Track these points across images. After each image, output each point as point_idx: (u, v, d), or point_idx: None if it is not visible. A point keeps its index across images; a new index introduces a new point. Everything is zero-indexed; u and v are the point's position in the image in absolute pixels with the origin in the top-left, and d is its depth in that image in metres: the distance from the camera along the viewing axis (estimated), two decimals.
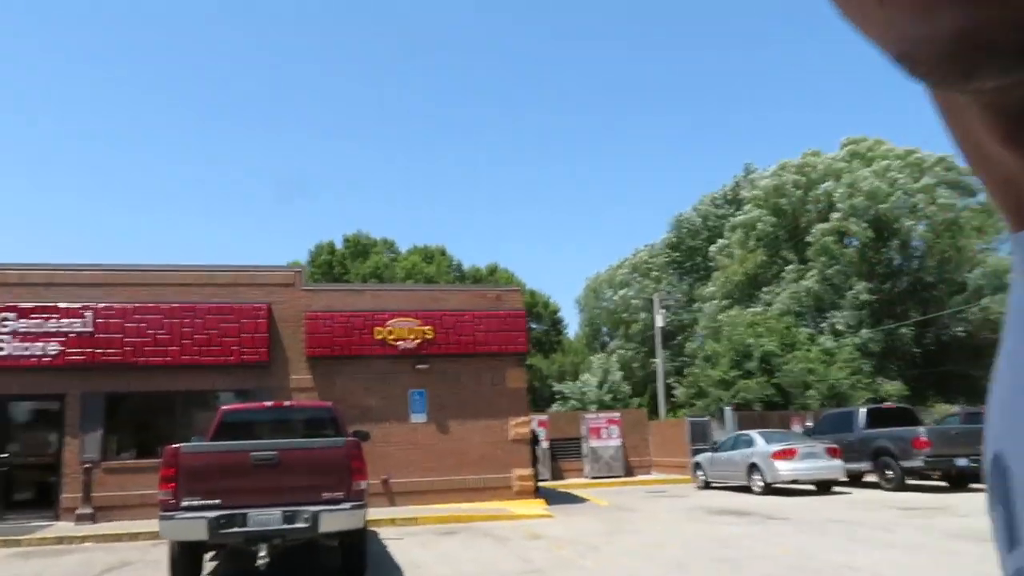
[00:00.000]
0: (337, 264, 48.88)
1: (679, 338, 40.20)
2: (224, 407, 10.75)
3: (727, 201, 42.43)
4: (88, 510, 14.14)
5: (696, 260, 41.96)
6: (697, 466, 19.59)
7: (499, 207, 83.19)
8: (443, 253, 53.90)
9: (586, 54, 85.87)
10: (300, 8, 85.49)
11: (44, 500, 14.72)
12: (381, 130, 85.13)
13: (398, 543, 11.35)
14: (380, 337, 16.00)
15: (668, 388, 32.89)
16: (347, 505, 8.18)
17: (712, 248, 38.17)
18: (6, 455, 14.57)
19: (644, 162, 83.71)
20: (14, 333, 14.51)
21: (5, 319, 14.54)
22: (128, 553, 11.41)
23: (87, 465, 14.36)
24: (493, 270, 51.52)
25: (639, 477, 23.21)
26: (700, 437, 21.92)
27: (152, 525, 13.63)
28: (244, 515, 7.95)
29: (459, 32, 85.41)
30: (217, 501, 7.97)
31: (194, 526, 7.79)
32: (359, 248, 51.58)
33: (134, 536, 12.87)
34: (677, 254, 43.35)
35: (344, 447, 8.48)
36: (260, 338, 15.46)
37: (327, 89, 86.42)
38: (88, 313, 14.83)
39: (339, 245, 51.31)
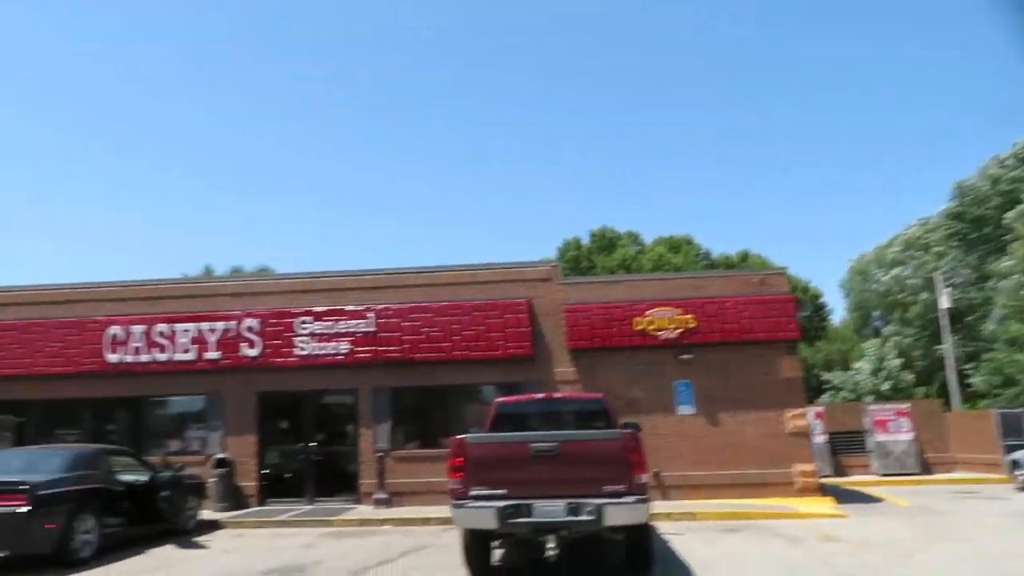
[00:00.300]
0: (584, 259, 49.48)
1: (969, 319, 35.53)
2: (499, 399, 11.04)
3: (1021, 161, 36.69)
4: (384, 495, 15.33)
5: (985, 231, 36.77)
6: (1016, 464, 16.97)
7: (745, 192, 79.53)
8: (689, 242, 52.41)
9: (833, 30, 79.50)
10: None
11: (347, 485, 16.24)
12: (620, 124, 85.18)
13: (679, 539, 10.96)
14: (640, 328, 15.69)
15: (961, 376, 29.11)
16: (630, 499, 7.94)
17: (1008, 216, 33.18)
18: (314, 444, 16.29)
19: (897, 135, 75.67)
20: (312, 334, 16.17)
21: (304, 322, 16.25)
22: (422, 537, 12.14)
23: (380, 454, 15.60)
24: (744, 257, 49.10)
25: (939, 476, 20.66)
26: (1013, 431, 19.00)
27: (440, 511, 14.49)
28: (529, 506, 8.01)
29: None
30: (503, 491, 8.11)
31: (484, 515, 7.98)
32: (605, 242, 51.78)
33: (426, 521, 13.72)
34: (961, 225, 38.31)
35: (622, 439, 8.26)
36: (523, 332, 15.83)
37: (566, 92, 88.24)
38: (371, 314, 16.12)
39: (585, 240, 51.94)
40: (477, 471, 8.19)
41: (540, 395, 11.09)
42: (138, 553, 11.04)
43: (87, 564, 10.10)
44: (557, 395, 10.95)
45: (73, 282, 17.40)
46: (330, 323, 16.17)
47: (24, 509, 9.45)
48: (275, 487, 16.26)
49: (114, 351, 16.47)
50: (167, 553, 11.16)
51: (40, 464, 10.75)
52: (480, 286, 16.30)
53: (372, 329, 16.06)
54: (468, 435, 8.52)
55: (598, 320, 15.77)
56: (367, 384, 16.16)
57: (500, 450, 8.30)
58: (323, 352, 16.09)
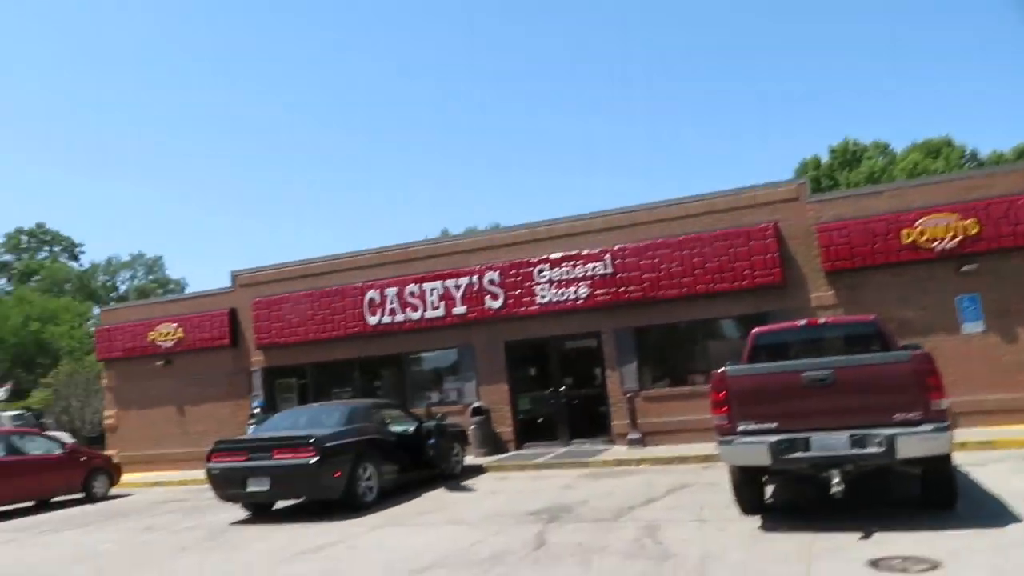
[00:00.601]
0: (824, 178, 45.53)
1: None
2: (756, 330, 10.23)
3: None
4: (636, 435, 15.14)
5: None
6: None
7: (1007, 74, 68.49)
8: (950, 144, 46.36)
9: None
10: None
11: (599, 427, 16.26)
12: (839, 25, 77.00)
13: (981, 470, 9.59)
14: (909, 240, 13.88)
15: None
16: (927, 427, 6.93)
17: None
18: (563, 388, 16.46)
19: None
20: (550, 281, 16.20)
21: (542, 270, 16.31)
22: (683, 475, 11.76)
23: (628, 395, 15.38)
24: (1022, 152, 42.58)
25: None
26: None
27: (697, 449, 14.05)
28: (807, 439, 7.29)
29: None
30: (774, 425, 7.45)
31: (755, 451, 7.39)
32: (848, 157, 47.33)
33: (683, 459, 13.32)
34: None
35: (912, 361, 7.21)
36: (771, 259, 14.68)
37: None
38: (607, 256, 15.80)
39: (825, 158, 47.80)
40: (743, 405, 7.60)
41: (802, 321, 10.12)
42: (413, 497, 11.76)
43: (370, 508, 10.91)
44: (822, 320, 9.92)
45: (332, 254, 18.87)
46: (567, 269, 16.09)
47: (313, 460, 10.35)
48: (530, 432, 16.69)
49: (373, 313, 17.68)
50: (439, 496, 11.78)
51: (322, 419, 11.74)
52: (720, 215, 15.33)
53: (610, 271, 15.75)
54: (729, 368, 7.91)
55: (857, 237, 14.18)
56: (609, 326, 15.95)
57: (767, 381, 7.62)
58: (563, 298, 16.08)
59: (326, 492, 10.64)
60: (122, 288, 65.99)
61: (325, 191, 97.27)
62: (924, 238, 13.82)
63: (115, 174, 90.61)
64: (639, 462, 13.63)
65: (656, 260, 15.43)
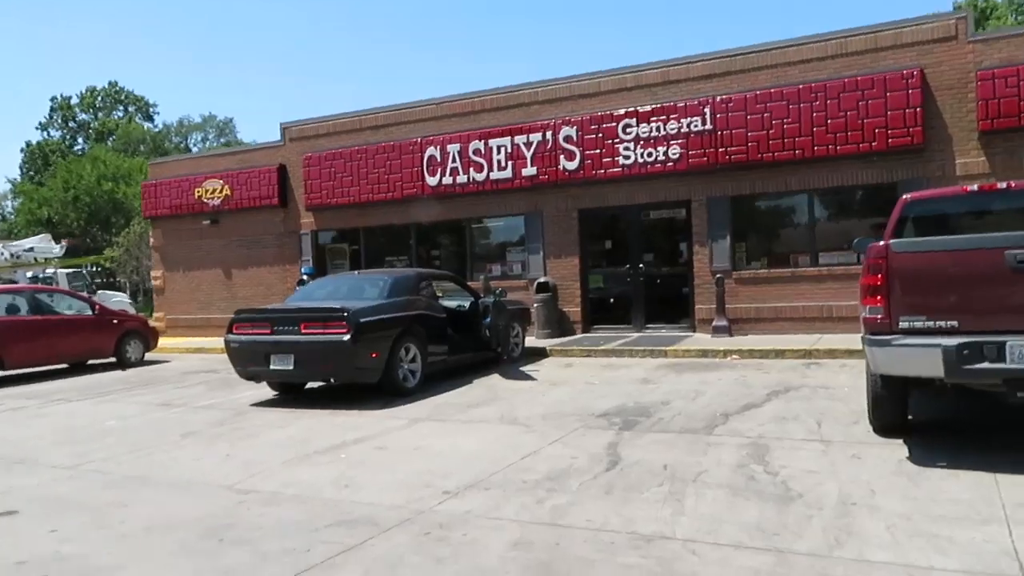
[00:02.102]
0: (993, 14, 39.15)
1: None
2: (907, 196, 7.80)
3: None
4: (723, 322, 13.10)
5: None
6: None
7: None
8: None
9: None
10: None
11: (679, 311, 14.25)
12: None
13: None
14: None
15: None
16: None
17: None
18: (642, 265, 14.36)
19: None
20: (637, 139, 13.80)
21: (627, 126, 13.89)
22: (783, 374, 9.74)
23: (718, 275, 13.22)
24: None
25: None
26: None
27: (797, 342, 11.95)
28: (1001, 345, 5.09)
29: None
30: (954, 322, 5.26)
31: (924, 357, 5.25)
32: None
33: (779, 353, 11.28)
34: None
35: None
36: (911, 114, 11.88)
37: None
38: (706, 109, 13.23)
39: None
40: (911, 293, 5.41)
41: (973, 186, 7.63)
42: (463, 383, 10.13)
43: (412, 394, 9.34)
44: (1003, 185, 7.44)
45: (389, 104, 16.76)
46: (658, 124, 13.62)
47: (346, 337, 8.70)
48: (601, 313, 14.80)
49: (432, 173, 15.71)
50: (493, 383, 10.12)
51: (363, 290, 10.08)
52: (850, 59, 12.46)
53: (709, 127, 13.21)
54: (897, 240, 5.64)
55: None
56: (702, 194, 13.59)
57: (950, 261, 5.35)
58: (651, 160, 13.71)
59: (361, 375, 9.05)
60: (194, 150, 65.86)
61: (409, 51, 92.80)
62: None
63: (188, 33, 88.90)
64: (726, 354, 11.65)
65: (767, 115, 12.79)
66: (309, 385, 10.18)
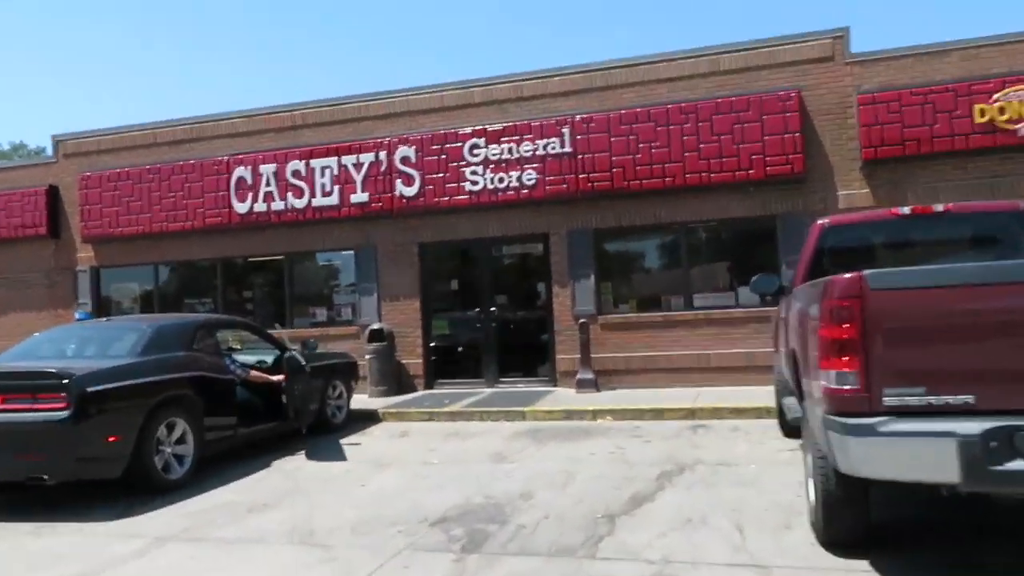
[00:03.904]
0: None
1: None
2: (823, 222, 6.21)
3: None
4: (589, 375, 11.21)
5: None
6: None
7: None
8: None
9: None
10: None
11: (538, 361, 12.27)
12: None
13: None
14: (985, 119, 10.00)
15: None
16: None
17: None
18: (493, 308, 12.26)
19: None
20: (486, 162, 11.81)
21: (475, 146, 11.88)
22: (669, 444, 7.84)
23: (582, 320, 11.36)
24: None
25: None
26: None
27: (676, 397, 10.21)
28: None
29: None
30: (968, 398, 3.41)
31: (929, 455, 3.36)
32: None
33: (658, 414, 9.48)
34: None
35: None
36: (789, 140, 10.62)
37: None
38: (565, 129, 11.45)
39: None
40: (901, 352, 3.53)
41: (903, 209, 6.10)
42: (258, 467, 7.51)
43: (178, 488, 6.65)
44: (937, 208, 5.96)
45: (190, 116, 13.89)
46: (510, 145, 11.70)
47: (63, 414, 5.92)
48: (447, 365, 12.53)
49: (242, 199, 12.98)
50: (297, 467, 7.56)
51: (108, 345, 7.28)
52: (724, 77, 11.11)
53: (567, 150, 11.43)
54: (872, 272, 3.72)
55: (911, 113, 10.21)
56: (562, 226, 11.74)
57: (964, 301, 3.52)
58: (502, 186, 11.73)
59: (90, 469, 6.23)
60: None
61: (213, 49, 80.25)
62: (1005, 118, 9.95)
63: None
64: (597, 415, 9.70)
65: (632, 137, 11.17)
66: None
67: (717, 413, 9.40)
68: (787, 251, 10.61)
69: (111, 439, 6.21)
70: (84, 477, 6.24)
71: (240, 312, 13.26)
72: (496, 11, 74.42)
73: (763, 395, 9.53)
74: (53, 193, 14.22)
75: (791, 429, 6.62)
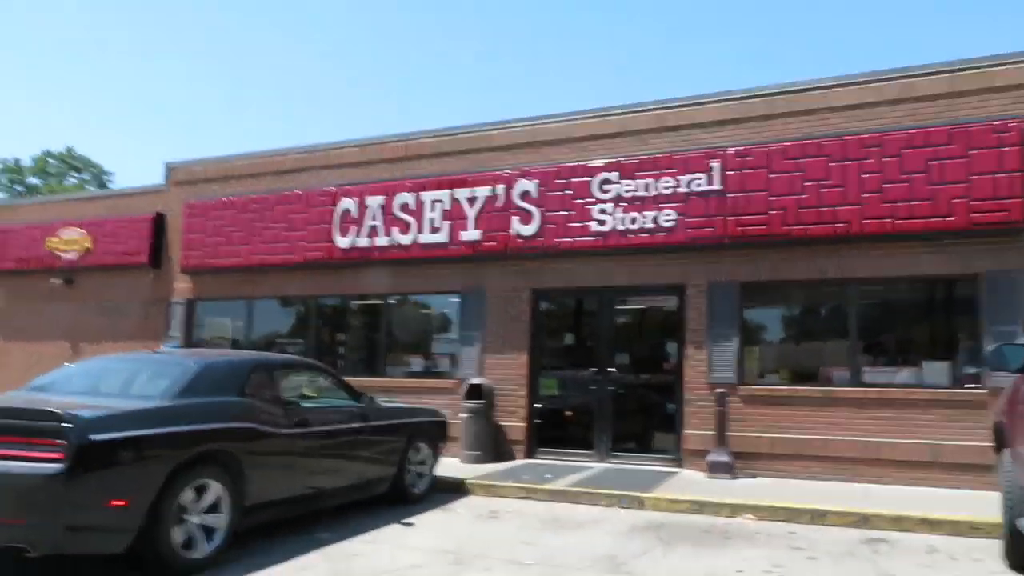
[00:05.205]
0: None
1: None
2: None
3: None
4: (724, 457, 9.16)
5: None
6: None
7: None
8: None
9: None
10: None
11: (661, 435, 10.31)
12: None
13: None
14: None
15: None
16: None
17: None
18: (613, 369, 10.42)
19: None
20: (617, 200, 10.16)
21: (606, 181, 10.27)
22: (842, 567, 5.69)
23: (719, 390, 9.35)
24: None
25: None
26: None
27: (835, 495, 7.84)
28: None
29: None
30: None
31: None
32: None
33: (819, 517, 7.38)
34: None
35: None
36: (1004, 181, 8.38)
37: None
38: (714, 163, 9.67)
39: None
40: None
41: None
42: (298, 551, 5.92)
43: (199, 571, 5.17)
44: None
45: (300, 145, 13.08)
46: (647, 180, 10.02)
47: (56, 468, 4.58)
48: (553, 431, 10.73)
49: (345, 233, 11.89)
50: (352, 554, 5.91)
51: (147, 382, 5.98)
52: (921, 104, 9.05)
53: (717, 187, 9.62)
54: None
55: None
56: (703, 277, 9.86)
57: None
58: (634, 227, 10.02)
59: (84, 541, 4.83)
60: None
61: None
62: None
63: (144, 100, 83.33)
64: (736, 509, 7.65)
65: (797, 174, 9.24)
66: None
67: (900, 523, 7.17)
68: (995, 319, 8.39)
69: (115, 503, 4.81)
70: (75, 551, 4.85)
71: (332, 356, 12.09)
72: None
73: (959, 502, 7.43)
74: (159, 221, 13.70)
75: None
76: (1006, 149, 8.38)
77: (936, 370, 8.75)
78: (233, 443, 5.69)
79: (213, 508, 5.48)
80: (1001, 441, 5.55)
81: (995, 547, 6.14)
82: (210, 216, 13.01)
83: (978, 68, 8.89)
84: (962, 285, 8.78)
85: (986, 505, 7.10)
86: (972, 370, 8.61)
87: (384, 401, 8.15)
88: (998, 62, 8.82)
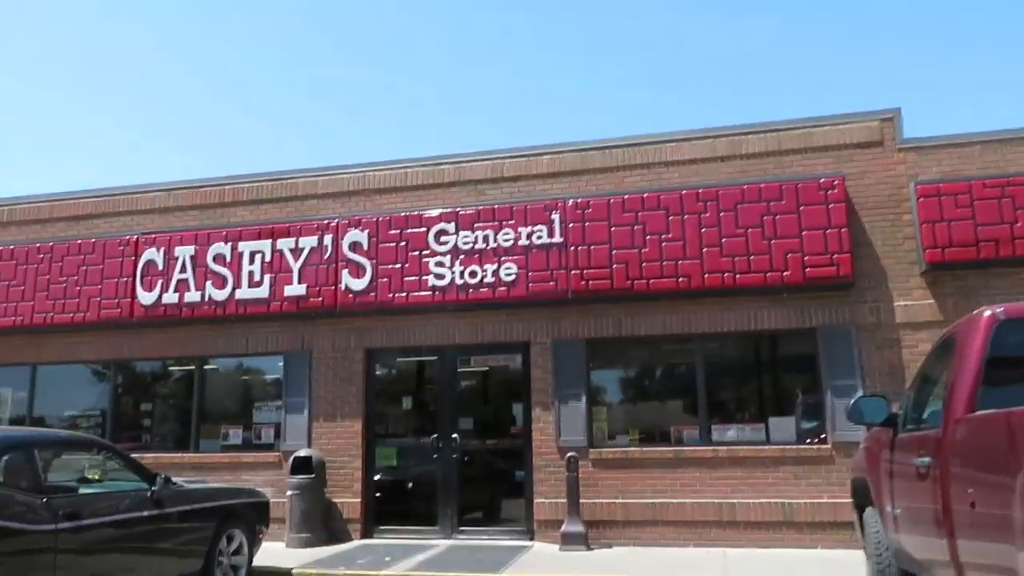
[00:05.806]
0: None
1: None
2: (993, 313, 3.95)
3: None
4: (577, 527, 8.61)
5: None
6: None
7: None
8: None
9: None
10: None
11: (510, 505, 9.65)
12: None
13: None
14: None
15: None
16: None
17: None
18: (455, 435, 9.68)
19: None
20: (455, 252, 9.56)
21: (442, 232, 9.67)
22: None
23: (570, 455, 8.83)
24: None
25: None
26: None
27: (692, 563, 7.68)
28: None
29: None
30: None
31: None
32: None
33: None
34: None
35: None
36: (833, 236, 8.60)
37: None
38: (554, 215, 9.34)
39: None
40: None
41: None
42: None
43: None
44: None
45: (96, 188, 11.54)
46: (486, 232, 9.51)
47: None
48: (390, 506, 9.79)
49: (149, 287, 10.47)
50: None
51: None
52: (749, 161, 9.22)
53: (558, 240, 9.26)
54: None
55: (985, 209, 8.32)
56: (547, 334, 9.41)
57: None
58: (473, 281, 9.44)
59: None
60: None
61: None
62: None
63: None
64: None
65: (638, 227, 9.07)
66: None
67: None
68: (833, 374, 8.50)
69: None
70: None
71: (136, 431, 10.54)
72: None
73: (819, 564, 7.15)
74: None
75: None
76: (832, 206, 8.63)
77: (781, 426, 8.74)
78: None
79: None
80: (864, 498, 5.33)
81: None
82: None
83: (802, 128, 9.21)
84: (801, 340, 8.87)
85: (845, 568, 6.96)
86: (813, 424, 8.66)
87: (189, 482, 6.95)
88: (821, 124, 9.17)
